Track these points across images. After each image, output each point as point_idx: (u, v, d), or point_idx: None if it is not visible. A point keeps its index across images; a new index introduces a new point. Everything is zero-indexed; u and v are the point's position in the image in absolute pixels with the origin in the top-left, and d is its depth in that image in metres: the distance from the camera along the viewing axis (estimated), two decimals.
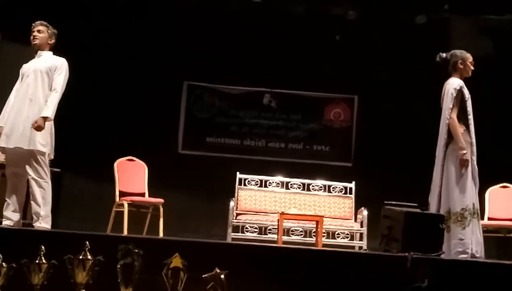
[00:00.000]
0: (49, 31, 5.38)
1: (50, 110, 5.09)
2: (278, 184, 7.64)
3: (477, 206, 5.04)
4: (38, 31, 5.34)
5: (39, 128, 5.01)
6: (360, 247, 6.89)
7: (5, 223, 5.06)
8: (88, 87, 7.69)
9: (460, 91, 5.10)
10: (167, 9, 7.99)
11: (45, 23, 5.39)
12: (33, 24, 5.40)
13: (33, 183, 5.06)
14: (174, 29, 8.10)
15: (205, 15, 7.96)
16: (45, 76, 5.20)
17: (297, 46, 8.25)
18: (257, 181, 7.62)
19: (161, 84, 8.14)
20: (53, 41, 5.40)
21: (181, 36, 8.11)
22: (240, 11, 7.95)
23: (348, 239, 7.02)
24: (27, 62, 5.43)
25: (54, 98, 5.15)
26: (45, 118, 5.05)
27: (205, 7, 7.91)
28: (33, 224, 5.09)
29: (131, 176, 6.90)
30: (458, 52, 5.28)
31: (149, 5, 7.98)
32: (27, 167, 5.07)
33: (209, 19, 7.98)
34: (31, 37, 5.36)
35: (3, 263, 3.36)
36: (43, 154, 5.10)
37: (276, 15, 8.05)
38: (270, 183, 7.64)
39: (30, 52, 5.45)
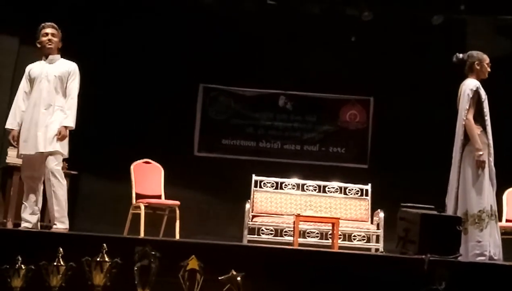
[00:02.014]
0: (59, 34, 5.32)
1: (71, 119, 5.15)
2: (294, 186, 7.64)
3: (495, 207, 4.98)
4: (53, 34, 5.27)
5: (63, 138, 5.10)
6: (377, 249, 6.86)
7: (24, 225, 5.10)
8: (105, 90, 7.76)
9: (476, 92, 5.06)
10: (183, 12, 8.02)
11: (55, 25, 5.31)
12: (43, 25, 5.29)
13: (49, 186, 5.09)
14: (190, 32, 8.13)
15: (220, 17, 7.98)
16: (58, 82, 5.20)
17: (313, 47, 8.24)
18: (273, 183, 7.62)
19: (177, 87, 8.18)
20: (61, 44, 5.36)
21: (196, 39, 8.14)
22: (255, 13, 7.95)
23: (365, 241, 7.00)
24: (33, 63, 5.36)
25: (72, 106, 5.19)
26: (67, 127, 5.13)
27: (220, 9, 7.93)
28: (51, 226, 5.14)
29: (148, 178, 6.93)
30: (475, 53, 5.24)
31: (164, 8, 8.01)
32: (44, 170, 5.12)
33: (224, 21, 8.01)
34: (46, 39, 5.25)
35: (22, 265, 3.39)
36: (59, 158, 5.15)
37: (291, 17, 8.04)
38: (285, 185, 7.64)
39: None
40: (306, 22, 8.05)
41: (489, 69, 5.21)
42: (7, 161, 6.69)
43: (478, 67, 5.17)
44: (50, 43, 5.27)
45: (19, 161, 6.58)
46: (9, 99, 7.11)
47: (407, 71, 8.02)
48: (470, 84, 5.09)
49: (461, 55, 5.26)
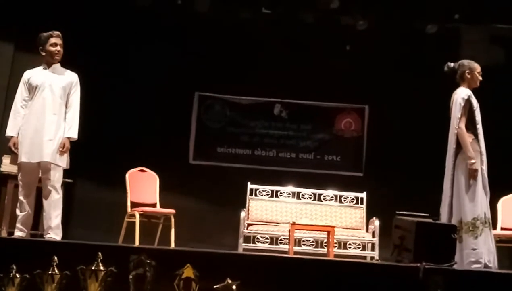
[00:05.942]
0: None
1: (74, 130, 5.20)
2: (289, 194, 7.64)
3: (489, 215, 5.00)
4: (61, 45, 5.26)
5: (67, 150, 5.15)
6: (372, 257, 6.87)
7: (17, 234, 5.08)
8: (100, 98, 7.74)
9: (468, 101, 5.10)
10: (178, 20, 8.05)
11: (60, 34, 5.30)
12: (50, 34, 5.23)
13: (49, 197, 5.09)
14: (185, 40, 8.16)
15: (216, 26, 8.00)
16: (62, 92, 5.21)
17: (308, 56, 8.26)
18: (268, 191, 7.63)
19: (172, 95, 8.18)
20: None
21: (191, 47, 8.16)
22: (250, 22, 7.99)
23: (360, 249, 7.00)
24: (31, 69, 5.33)
25: (75, 116, 5.23)
26: (70, 139, 5.17)
27: (216, 18, 7.95)
28: (44, 236, 5.12)
29: (143, 186, 6.93)
30: (466, 62, 5.28)
31: (159, 16, 8.02)
32: (43, 180, 5.12)
33: (219, 30, 8.03)
34: (55, 50, 5.22)
35: (17, 274, 3.38)
36: (61, 170, 5.18)
37: (286, 25, 8.07)
38: (281, 193, 7.65)
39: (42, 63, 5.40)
40: (301, 30, 8.08)
41: (480, 78, 5.24)
42: (1, 169, 6.66)
43: (469, 76, 5.21)
44: (58, 54, 5.26)
45: (13, 169, 6.58)
46: (4, 107, 7.11)
47: (402, 80, 8.04)
48: (461, 93, 5.13)
49: (452, 64, 5.30)
